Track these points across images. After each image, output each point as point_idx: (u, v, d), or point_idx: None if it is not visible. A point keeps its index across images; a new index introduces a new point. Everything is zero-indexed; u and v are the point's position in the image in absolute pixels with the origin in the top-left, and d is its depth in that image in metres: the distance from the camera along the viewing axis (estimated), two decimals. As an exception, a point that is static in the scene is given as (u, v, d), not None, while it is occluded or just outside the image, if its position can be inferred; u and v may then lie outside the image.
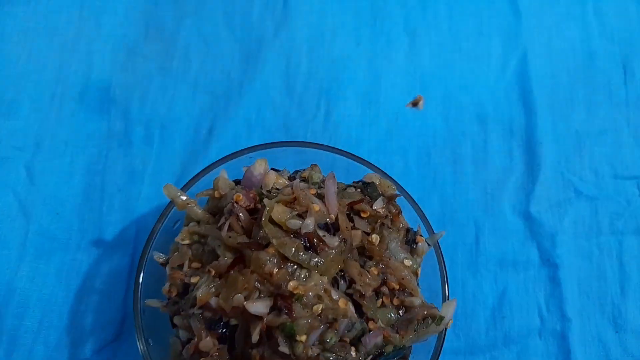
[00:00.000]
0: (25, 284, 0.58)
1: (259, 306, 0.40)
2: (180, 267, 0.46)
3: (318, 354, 0.39)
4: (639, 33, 0.76)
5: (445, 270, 0.52)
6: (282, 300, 0.40)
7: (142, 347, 0.46)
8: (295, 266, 0.42)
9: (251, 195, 0.46)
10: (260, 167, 0.49)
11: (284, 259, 0.42)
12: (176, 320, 0.45)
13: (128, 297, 0.58)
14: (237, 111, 0.68)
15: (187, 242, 0.47)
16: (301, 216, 0.44)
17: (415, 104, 0.71)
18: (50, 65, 0.68)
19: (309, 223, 0.43)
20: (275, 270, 0.41)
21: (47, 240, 0.60)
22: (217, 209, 0.49)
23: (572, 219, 0.67)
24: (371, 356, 0.43)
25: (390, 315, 0.45)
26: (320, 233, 0.43)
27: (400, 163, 0.68)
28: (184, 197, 0.48)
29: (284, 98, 0.70)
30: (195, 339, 0.43)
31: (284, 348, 0.39)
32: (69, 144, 0.65)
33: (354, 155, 0.54)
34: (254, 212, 0.46)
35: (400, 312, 0.46)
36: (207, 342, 0.42)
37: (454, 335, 0.61)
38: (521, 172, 0.69)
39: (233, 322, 0.42)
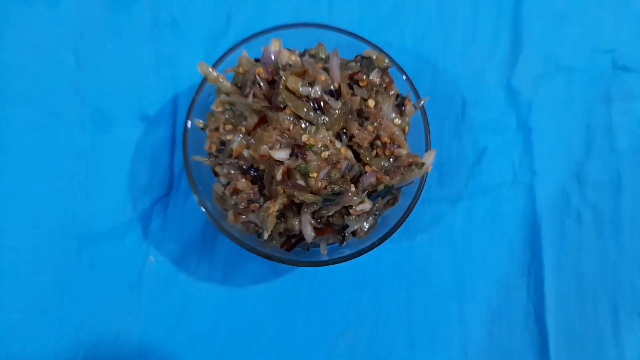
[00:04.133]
0: (88, 152, 0.72)
1: (281, 154, 0.53)
2: (217, 129, 0.58)
3: (326, 186, 0.53)
4: None
5: (429, 129, 0.63)
6: (298, 148, 0.53)
7: (194, 187, 0.59)
8: (307, 124, 0.54)
9: (269, 69, 0.57)
10: (275, 46, 0.58)
11: (298, 117, 0.54)
12: (217, 169, 0.58)
13: (173, 161, 0.72)
14: (251, 1, 0.76)
15: (220, 109, 0.59)
16: (310, 85, 0.55)
17: (411, -8, 0.78)
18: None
19: (317, 89, 0.54)
20: (292, 126, 0.53)
21: (99, 114, 0.72)
22: (242, 83, 0.60)
23: (548, 90, 0.77)
24: (367, 192, 0.56)
25: (383, 163, 0.57)
26: (326, 97, 0.55)
27: (398, 43, 0.77)
28: (215, 73, 0.59)
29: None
30: (233, 181, 0.56)
31: (301, 182, 0.52)
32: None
33: (355, 34, 0.63)
34: (272, 84, 0.56)
35: (391, 160, 0.58)
36: (243, 183, 0.56)
37: (439, 187, 0.74)
38: (507, 49, 0.77)
39: (261, 167, 0.55)
